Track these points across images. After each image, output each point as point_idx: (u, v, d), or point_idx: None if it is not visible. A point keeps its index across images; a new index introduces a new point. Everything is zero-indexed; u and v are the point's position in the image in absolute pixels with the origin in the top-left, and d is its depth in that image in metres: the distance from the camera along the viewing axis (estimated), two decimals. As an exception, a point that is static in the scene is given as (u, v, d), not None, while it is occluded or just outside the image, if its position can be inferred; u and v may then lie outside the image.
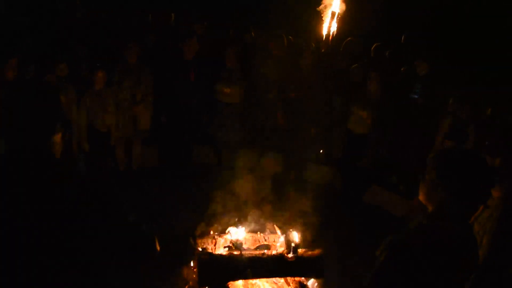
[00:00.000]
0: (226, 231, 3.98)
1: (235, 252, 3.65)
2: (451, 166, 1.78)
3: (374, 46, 6.89)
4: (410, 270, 1.70)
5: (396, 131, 6.22)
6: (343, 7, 4.27)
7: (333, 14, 4.24)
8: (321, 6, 4.38)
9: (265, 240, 3.96)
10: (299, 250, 3.67)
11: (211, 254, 3.64)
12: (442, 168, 1.79)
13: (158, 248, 1.76)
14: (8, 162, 1.59)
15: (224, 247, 3.80)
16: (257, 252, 3.72)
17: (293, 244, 3.69)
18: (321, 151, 7.12)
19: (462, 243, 1.78)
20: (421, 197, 1.91)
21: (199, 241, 3.87)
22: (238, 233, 3.91)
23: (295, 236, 3.82)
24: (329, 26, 4.26)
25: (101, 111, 5.43)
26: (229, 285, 3.51)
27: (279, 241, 3.94)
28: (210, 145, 6.65)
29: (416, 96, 6.14)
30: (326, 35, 4.33)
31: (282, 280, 3.69)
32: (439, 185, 1.78)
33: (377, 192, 6.32)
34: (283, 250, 3.74)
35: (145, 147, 6.43)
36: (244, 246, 3.79)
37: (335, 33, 4.32)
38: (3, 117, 1.59)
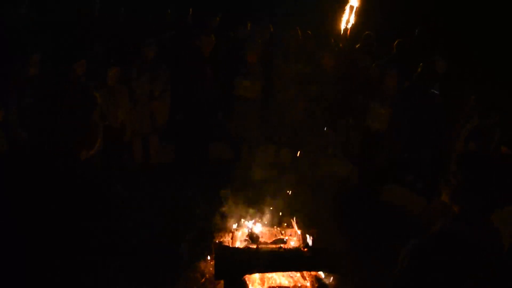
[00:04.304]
0: (243, 225, 4.00)
1: (252, 246, 3.66)
2: (478, 169, 1.77)
3: (396, 42, 6.79)
4: (434, 275, 1.67)
5: (413, 129, 6.14)
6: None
7: (351, 8, 4.20)
8: None
9: (282, 234, 3.96)
10: (315, 245, 3.67)
11: (228, 247, 3.66)
12: (469, 172, 1.78)
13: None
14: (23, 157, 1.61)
15: (241, 240, 3.81)
16: (274, 246, 3.73)
17: (309, 239, 3.69)
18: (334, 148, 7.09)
19: (487, 246, 1.75)
20: (445, 198, 1.88)
21: (216, 234, 3.90)
22: (255, 227, 3.92)
23: (312, 231, 3.82)
24: (347, 20, 4.22)
25: (114, 107, 5.49)
26: (246, 278, 3.52)
27: (295, 235, 3.94)
28: (227, 141, 6.67)
29: (436, 92, 6.03)
30: (344, 29, 4.30)
31: (298, 274, 3.69)
32: (466, 189, 1.78)
33: (394, 190, 6.26)
34: (300, 245, 3.75)
35: (162, 143, 6.48)
36: (261, 240, 3.80)
37: (353, 27, 4.28)
38: (31, 112, 1.62)
